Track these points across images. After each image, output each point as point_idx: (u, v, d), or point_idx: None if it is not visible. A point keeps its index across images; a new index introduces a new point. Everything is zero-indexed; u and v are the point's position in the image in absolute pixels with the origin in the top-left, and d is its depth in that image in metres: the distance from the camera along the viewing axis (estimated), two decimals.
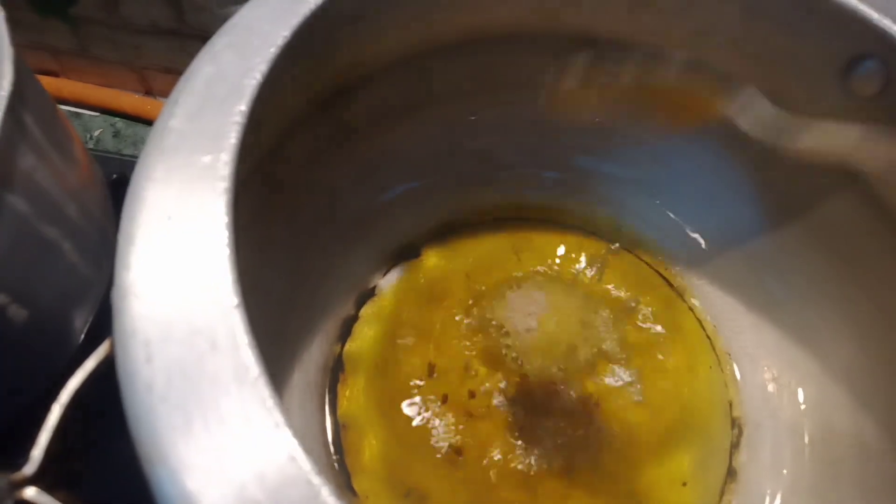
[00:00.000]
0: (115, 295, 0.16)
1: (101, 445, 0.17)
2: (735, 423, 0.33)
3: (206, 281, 0.15)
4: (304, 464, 0.14)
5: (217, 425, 0.14)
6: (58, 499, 0.14)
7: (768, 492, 0.31)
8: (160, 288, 0.15)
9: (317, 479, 0.13)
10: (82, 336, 0.29)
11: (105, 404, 0.15)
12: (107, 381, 0.16)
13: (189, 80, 0.18)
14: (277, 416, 0.14)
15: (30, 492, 0.14)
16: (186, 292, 0.15)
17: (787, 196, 0.32)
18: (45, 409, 0.15)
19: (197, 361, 0.15)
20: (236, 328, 0.15)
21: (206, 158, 0.17)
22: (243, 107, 0.17)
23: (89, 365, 0.15)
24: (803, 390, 0.32)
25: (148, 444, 0.14)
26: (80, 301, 0.29)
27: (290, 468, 0.14)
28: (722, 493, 0.31)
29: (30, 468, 0.14)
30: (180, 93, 0.18)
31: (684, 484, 0.31)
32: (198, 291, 0.15)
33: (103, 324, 0.16)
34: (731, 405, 0.33)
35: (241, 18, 0.20)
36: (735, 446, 0.32)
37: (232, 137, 0.17)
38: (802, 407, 0.32)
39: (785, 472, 0.31)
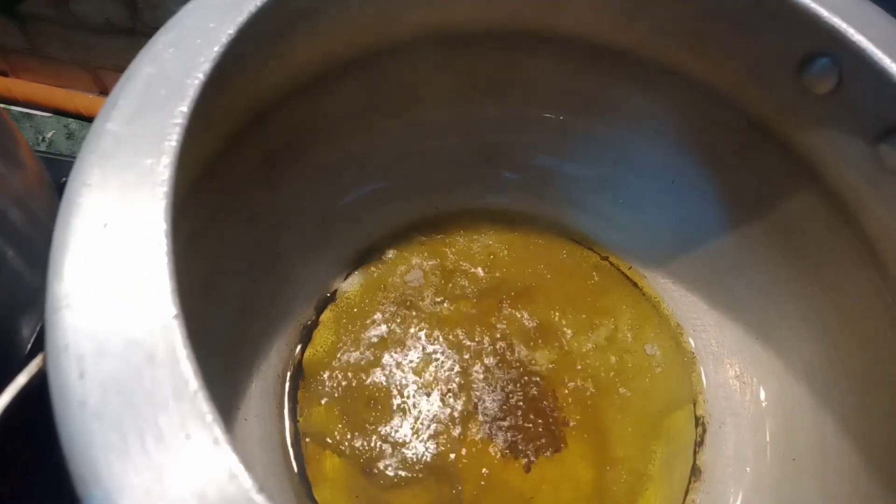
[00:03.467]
0: (48, 307, 0.15)
1: (31, 465, 0.16)
2: (699, 422, 0.33)
3: (144, 291, 0.15)
4: (246, 481, 0.13)
5: (154, 443, 0.13)
6: None
7: (732, 490, 0.31)
8: (95, 299, 0.15)
9: (259, 498, 0.13)
10: (29, 346, 0.28)
11: (37, 423, 0.14)
12: (40, 399, 0.15)
13: (128, 80, 0.18)
14: (217, 432, 0.13)
15: None
16: (123, 303, 0.15)
17: (748, 195, 0.32)
18: None
19: (133, 376, 0.14)
20: (175, 340, 0.14)
21: (146, 162, 0.16)
22: (185, 108, 0.17)
23: (20, 381, 0.15)
24: (765, 388, 0.33)
25: (81, 463, 0.13)
26: (27, 311, 0.28)
27: (230, 487, 0.13)
28: (686, 492, 0.31)
29: None
30: (118, 94, 0.17)
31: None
32: (135, 302, 0.15)
33: None
34: (694, 403, 0.33)
35: (184, 15, 0.19)
36: (699, 444, 0.32)
37: (173, 140, 0.16)
38: (764, 404, 0.32)
39: (748, 469, 0.31)
